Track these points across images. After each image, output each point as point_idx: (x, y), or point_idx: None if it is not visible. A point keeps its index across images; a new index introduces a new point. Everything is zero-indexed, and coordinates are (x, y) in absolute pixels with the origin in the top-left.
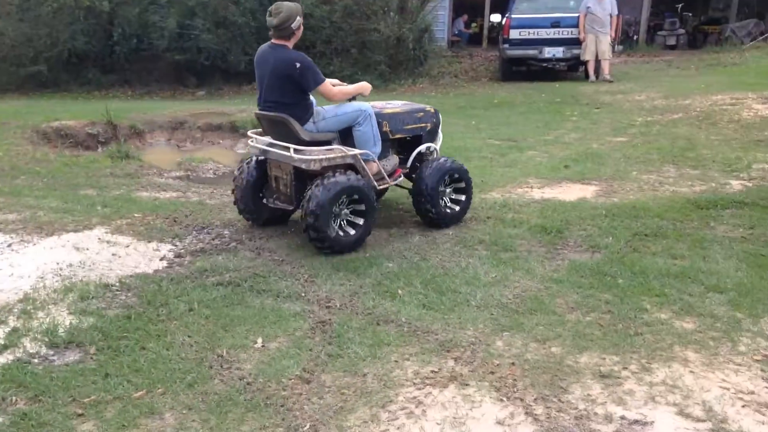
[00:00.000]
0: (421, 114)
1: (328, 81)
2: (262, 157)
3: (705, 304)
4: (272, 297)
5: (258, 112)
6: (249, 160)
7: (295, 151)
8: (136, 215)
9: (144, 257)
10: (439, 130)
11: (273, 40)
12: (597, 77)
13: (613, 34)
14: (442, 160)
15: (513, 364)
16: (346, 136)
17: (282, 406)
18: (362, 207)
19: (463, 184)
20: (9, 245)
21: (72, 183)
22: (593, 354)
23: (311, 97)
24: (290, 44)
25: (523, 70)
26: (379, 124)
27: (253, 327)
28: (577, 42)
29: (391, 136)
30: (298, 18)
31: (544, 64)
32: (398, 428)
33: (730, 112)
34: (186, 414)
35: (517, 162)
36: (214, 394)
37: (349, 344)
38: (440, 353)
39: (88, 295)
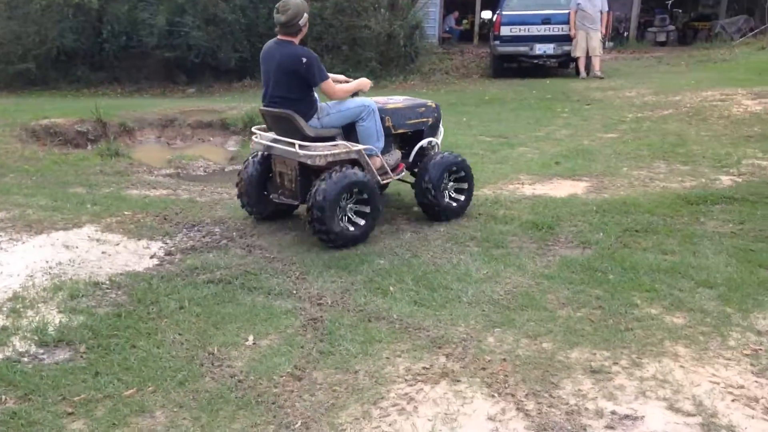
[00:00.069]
0: (423, 109)
1: (335, 77)
2: (267, 153)
3: (695, 299)
4: (263, 294)
5: (263, 108)
6: (255, 154)
7: (301, 146)
8: (126, 213)
9: (134, 255)
10: (440, 125)
11: (279, 36)
12: (588, 74)
13: (604, 31)
14: (444, 154)
15: (504, 360)
16: (349, 131)
17: (273, 403)
18: (367, 202)
19: (464, 179)
20: None
21: (61, 181)
22: (584, 349)
23: (315, 94)
24: (296, 40)
25: (514, 66)
26: (382, 120)
27: (244, 324)
28: (567, 39)
29: (393, 131)
30: (305, 15)
31: (535, 61)
32: (390, 425)
33: (720, 108)
34: (177, 412)
35: (508, 158)
36: (205, 391)
37: (341, 341)
38: (432, 350)
39: (78, 294)
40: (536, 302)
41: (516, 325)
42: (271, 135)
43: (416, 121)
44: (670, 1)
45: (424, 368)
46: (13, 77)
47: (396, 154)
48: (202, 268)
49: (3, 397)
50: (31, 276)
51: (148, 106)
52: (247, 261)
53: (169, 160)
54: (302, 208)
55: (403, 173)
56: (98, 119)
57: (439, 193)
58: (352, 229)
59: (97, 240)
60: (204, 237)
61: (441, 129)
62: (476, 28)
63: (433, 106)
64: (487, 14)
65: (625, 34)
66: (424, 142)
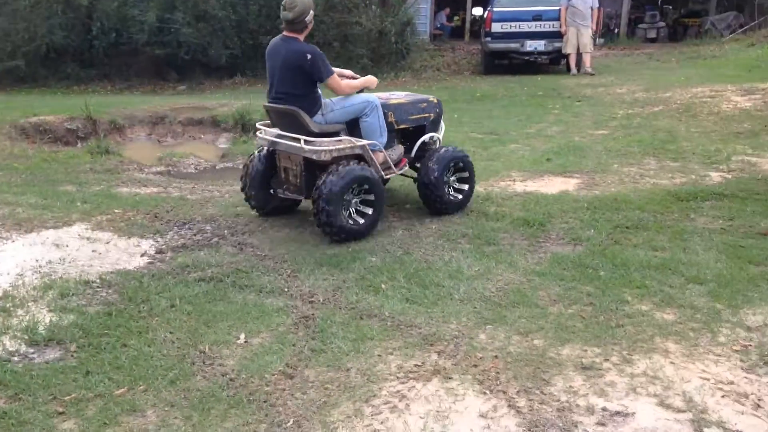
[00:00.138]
0: (425, 104)
1: (341, 71)
2: (272, 149)
3: (685, 296)
4: (255, 292)
5: (267, 104)
6: (260, 149)
7: (306, 142)
8: (116, 211)
9: (125, 253)
10: (442, 120)
11: (285, 33)
12: (578, 70)
13: (595, 27)
14: (447, 148)
15: (496, 357)
16: (352, 127)
17: (265, 401)
18: (371, 197)
19: (466, 173)
20: None
21: (51, 179)
22: (575, 346)
23: (319, 91)
24: (301, 37)
25: (505, 63)
26: (385, 115)
27: (235, 323)
28: (558, 35)
29: (396, 127)
30: (311, 12)
31: (526, 58)
32: (382, 422)
33: (710, 104)
34: (168, 411)
35: (499, 155)
36: (197, 390)
37: (333, 339)
38: (423, 347)
39: (69, 292)
40: (527, 299)
41: (507, 322)
42: (275, 131)
43: (418, 116)
44: None
45: (415, 366)
46: (1, 74)
47: (399, 149)
48: (193, 266)
49: None
50: (21, 275)
51: (138, 104)
52: (238, 259)
53: (160, 157)
54: (304, 206)
55: (406, 168)
56: (88, 117)
57: (441, 188)
58: (360, 221)
59: (88, 238)
60: (195, 235)
61: (442, 124)
62: (467, 25)
63: (435, 101)
64: (478, 11)
65: (616, 30)
66: (426, 137)
